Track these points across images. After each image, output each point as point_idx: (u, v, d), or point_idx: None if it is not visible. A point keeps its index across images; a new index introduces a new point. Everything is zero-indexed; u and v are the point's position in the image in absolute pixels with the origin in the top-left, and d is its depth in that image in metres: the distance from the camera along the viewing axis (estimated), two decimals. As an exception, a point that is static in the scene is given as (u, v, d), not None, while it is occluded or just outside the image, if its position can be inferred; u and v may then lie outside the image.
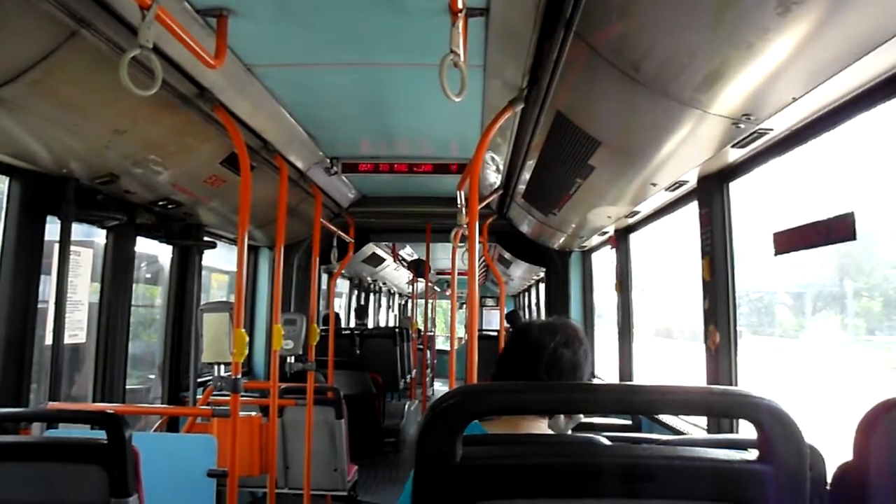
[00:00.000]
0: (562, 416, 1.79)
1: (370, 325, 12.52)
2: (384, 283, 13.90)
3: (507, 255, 8.46)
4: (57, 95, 2.44)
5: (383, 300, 15.46)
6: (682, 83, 2.14)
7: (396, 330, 9.14)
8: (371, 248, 9.31)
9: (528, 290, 12.09)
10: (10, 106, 2.37)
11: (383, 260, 10.75)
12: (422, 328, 9.99)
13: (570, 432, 1.88)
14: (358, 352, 8.13)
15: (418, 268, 7.95)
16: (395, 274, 12.71)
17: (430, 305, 9.24)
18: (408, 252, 11.93)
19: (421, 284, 10.96)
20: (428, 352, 10.42)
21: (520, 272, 9.63)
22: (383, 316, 15.51)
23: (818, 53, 1.80)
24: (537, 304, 10.85)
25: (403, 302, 17.76)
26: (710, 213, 3.20)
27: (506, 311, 6.43)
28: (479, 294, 9.92)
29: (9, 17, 2.01)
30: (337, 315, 8.98)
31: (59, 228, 3.24)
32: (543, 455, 1.13)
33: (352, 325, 10.95)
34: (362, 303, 12.20)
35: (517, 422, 1.73)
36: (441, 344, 16.27)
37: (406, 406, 8.50)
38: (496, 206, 5.87)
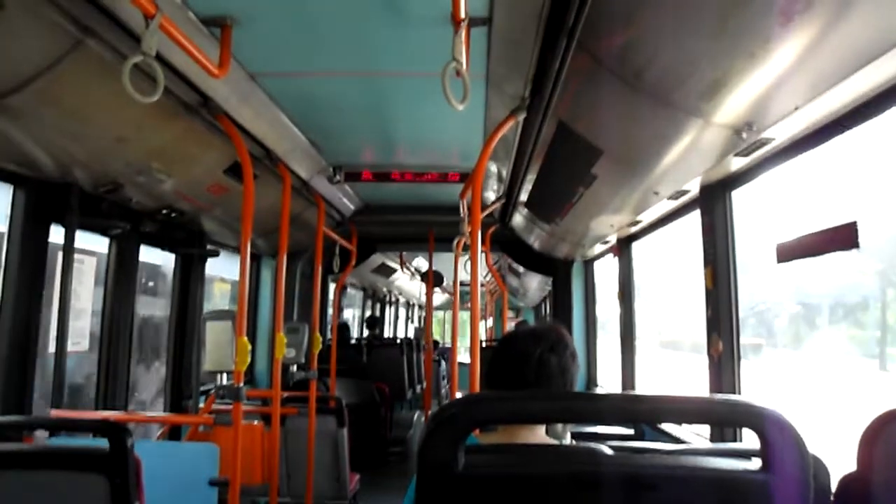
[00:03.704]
0: (559, 424, 1.79)
1: (387, 335, 12.46)
2: (400, 294, 13.84)
3: (520, 268, 8.45)
4: (62, 104, 2.45)
5: (402, 311, 15.41)
6: (685, 92, 2.14)
7: (406, 341, 9.11)
8: (380, 259, 9.29)
9: (545, 300, 12.04)
10: (15, 114, 2.38)
11: (394, 270, 10.73)
12: (438, 339, 9.92)
13: (569, 440, 1.87)
14: (364, 360, 8.11)
15: (433, 279, 7.95)
16: (410, 285, 12.67)
17: (442, 315, 9.22)
18: (423, 262, 11.92)
19: (436, 295, 10.89)
20: (443, 363, 10.35)
21: (535, 284, 9.59)
22: (401, 327, 15.44)
23: (820, 63, 1.80)
24: (547, 315, 10.80)
25: (423, 313, 17.71)
26: (712, 222, 3.20)
27: (522, 321, 6.42)
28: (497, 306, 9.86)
29: (15, 27, 2.02)
30: (346, 325, 8.98)
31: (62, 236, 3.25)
32: (546, 464, 1.13)
33: (364, 335, 10.88)
34: (376, 314, 12.18)
35: (514, 431, 1.73)
36: (462, 356, 16.12)
37: (415, 416, 8.47)
38: (499, 215, 5.87)
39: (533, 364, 1.72)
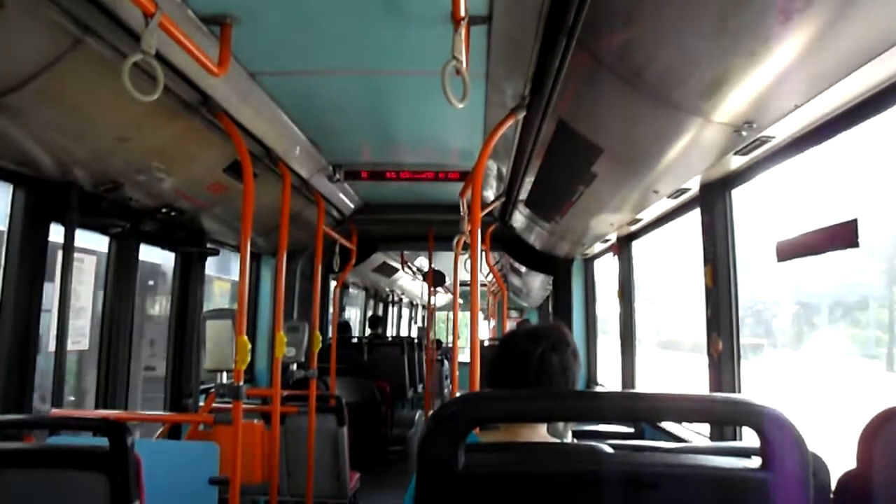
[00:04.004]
0: (560, 423, 1.79)
1: (391, 335, 12.47)
2: (403, 294, 13.81)
3: (522, 268, 8.43)
4: (62, 103, 2.45)
5: (405, 312, 15.38)
6: (684, 91, 2.14)
7: (408, 340, 9.09)
8: (381, 258, 9.28)
9: (548, 300, 12.01)
10: (15, 113, 2.38)
11: (396, 270, 10.71)
12: (441, 339, 9.92)
13: (570, 438, 1.87)
14: (365, 359, 8.12)
15: (434, 278, 7.93)
16: (412, 285, 12.64)
17: (446, 316, 9.22)
18: (425, 262, 11.92)
19: (440, 295, 10.87)
20: (446, 362, 10.36)
21: (538, 283, 9.60)
22: (405, 327, 15.42)
23: (820, 61, 1.80)
24: (550, 314, 10.78)
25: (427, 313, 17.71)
26: (712, 221, 3.20)
27: (524, 320, 6.41)
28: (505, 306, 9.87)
29: (15, 25, 2.02)
30: (347, 323, 8.96)
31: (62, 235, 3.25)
32: (546, 463, 1.13)
33: (366, 334, 10.88)
34: (379, 313, 12.18)
35: (516, 430, 1.73)
36: (464, 355, 16.11)
37: (416, 415, 8.47)
38: (499, 213, 5.87)
39: (534, 363, 1.72)
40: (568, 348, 1.76)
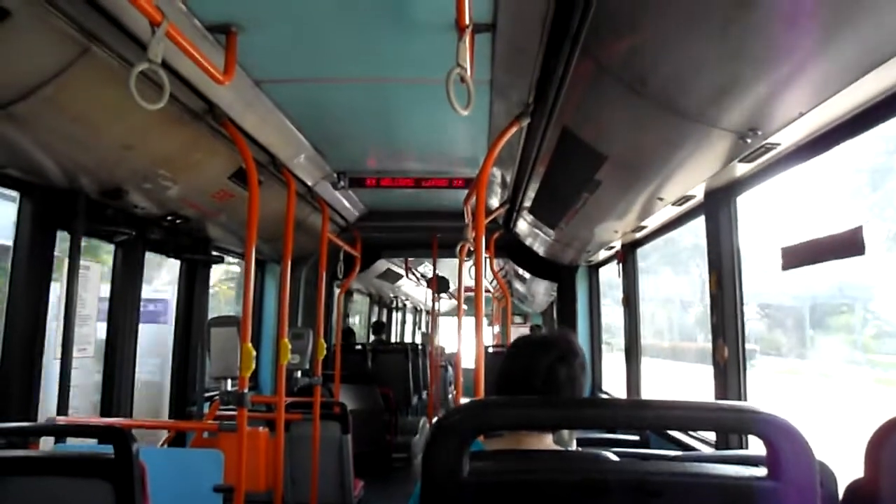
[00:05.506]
0: (565, 431, 1.78)
1: (394, 341, 12.48)
2: (407, 300, 13.79)
3: (526, 274, 8.43)
4: (68, 111, 2.46)
5: (409, 317, 15.36)
6: (689, 98, 2.14)
7: (412, 346, 9.10)
8: (385, 265, 9.29)
9: (552, 305, 12.01)
10: (23, 122, 2.39)
11: (400, 276, 10.72)
12: (444, 346, 9.92)
13: (575, 446, 1.87)
14: (370, 365, 8.11)
15: (438, 284, 7.94)
16: (416, 290, 12.65)
17: (437, 321, 9.21)
18: (431, 268, 11.92)
19: (444, 301, 10.85)
20: (451, 368, 10.34)
21: (542, 290, 9.60)
22: (409, 334, 15.40)
23: (826, 68, 1.80)
24: (554, 320, 10.76)
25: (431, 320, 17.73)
26: (717, 228, 3.20)
27: (535, 326, 6.39)
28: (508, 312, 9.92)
29: (23, 35, 2.03)
30: (351, 330, 8.93)
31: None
32: (552, 470, 1.12)
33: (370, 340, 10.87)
34: (383, 319, 12.18)
35: (521, 438, 1.72)
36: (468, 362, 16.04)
37: (420, 422, 8.46)
38: (503, 220, 5.88)
39: (542, 375, 1.71)
40: (576, 359, 1.75)
